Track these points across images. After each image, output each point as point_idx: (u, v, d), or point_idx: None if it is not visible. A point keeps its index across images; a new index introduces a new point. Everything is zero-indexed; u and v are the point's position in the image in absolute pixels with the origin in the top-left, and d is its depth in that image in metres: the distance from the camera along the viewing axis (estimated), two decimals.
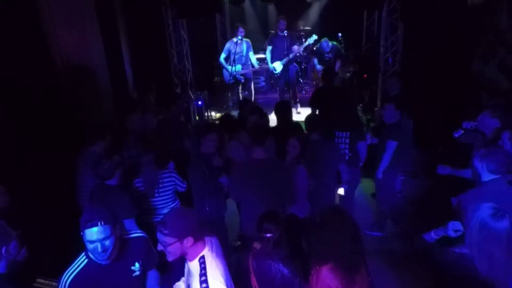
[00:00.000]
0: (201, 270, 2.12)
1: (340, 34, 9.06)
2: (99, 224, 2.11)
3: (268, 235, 2.54)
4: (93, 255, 2.19)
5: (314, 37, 7.49)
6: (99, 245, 2.12)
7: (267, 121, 4.91)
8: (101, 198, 3.31)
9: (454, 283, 2.14)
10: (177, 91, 7.79)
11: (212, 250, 2.22)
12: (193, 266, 2.18)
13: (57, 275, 2.35)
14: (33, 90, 4.10)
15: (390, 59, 7.55)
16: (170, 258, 2.15)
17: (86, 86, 5.16)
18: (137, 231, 2.55)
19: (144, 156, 3.69)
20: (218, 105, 8.72)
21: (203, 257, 2.17)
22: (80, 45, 5.07)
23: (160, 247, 2.12)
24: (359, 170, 4.67)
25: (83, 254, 2.26)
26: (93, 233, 2.11)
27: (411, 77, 6.56)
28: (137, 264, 2.36)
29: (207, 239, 2.27)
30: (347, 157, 4.47)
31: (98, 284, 2.22)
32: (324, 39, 8.18)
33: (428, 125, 5.88)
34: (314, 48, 8.64)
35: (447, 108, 5.79)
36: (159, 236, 2.10)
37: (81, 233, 2.16)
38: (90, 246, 2.15)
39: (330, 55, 8.22)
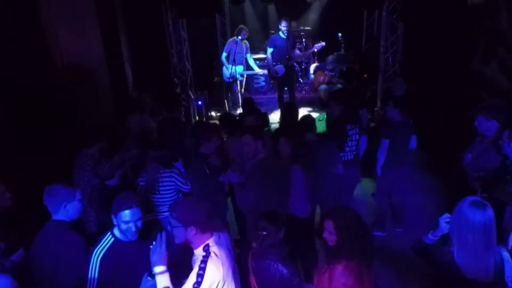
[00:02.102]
0: (203, 257, 2.20)
1: (340, 34, 9.06)
2: (133, 206, 2.41)
3: (264, 232, 2.54)
4: (125, 234, 2.45)
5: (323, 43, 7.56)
6: (133, 225, 2.41)
7: (267, 121, 4.92)
8: (100, 199, 3.31)
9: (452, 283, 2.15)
10: (177, 91, 7.80)
11: (217, 242, 2.29)
12: (197, 252, 2.27)
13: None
14: (33, 90, 4.10)
15: (390, 59, 7.56)
16: (177, 240, 2.28)
17: (86, 86, 5.16)
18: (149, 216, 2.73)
19: (151, 153, 3.74)
20: (218, 105, 8.72)
21: (207, 245, 2.26)
22: (80, 45, 5.07)
23: (168, 228, 2.30)
24: (359, 169, 4.65)
25: (109, 233, 2.51)
26: (128, 214, 2.40)
27: (411, 77, 6.56)
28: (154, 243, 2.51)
29: (216, 233, 2.34)
30: (352, 156, 4.44)
31: (124, 260, 2.45)
32: (331, 56, 8.20)
33: (428, 125, 5.88)
34: (315, 50, 8.65)
35: (447, 108, 5.79)
36: (169, 216, 2.29)
37: (114, 216, 2.44)
38: (124, 227, 2.42)
39: (332, 73, 8.21)
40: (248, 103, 5.19)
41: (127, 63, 6.56)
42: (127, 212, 2.39)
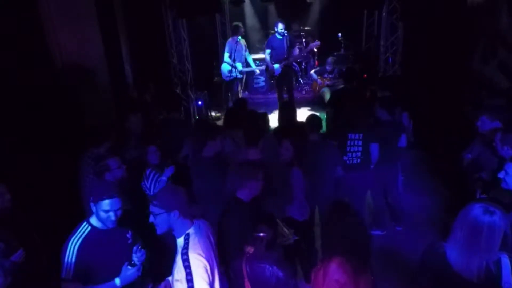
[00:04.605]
0: (184, 245, 2.29)
1: (340, 34, 9.07)
2: (114, 196, 2.46)
3: (261, 234, 2.51)
4: (104, 222, 2.50)
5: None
6: (112, 214, 2.46)
7: (267, 121, 4.92)
8: None
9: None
10: (177, 91, 7.80)
11: (197, 231, 2.36)
12: (179, 243, 2.34)
13: (58, 275, 2.36)
14: (33, 90, 4.10)
15: (390, 59, 7.56)
16: (158, 231, 2.34)
17: (86, 86, 5.16)
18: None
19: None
20: (218, 105, 8.73)
21: (188, 234, 2.34)
22: (80, 45, 5.06)
23: (151, 219, 2.32)
24: (370, 175, 4.52)
25: (85, 223, 2.55)
26: (109, 203, 2.45)
27: (411, 77, 6.57)
28: (130, 232, 2.70)
29: (196, 221, 2.42)
30: (359, 160, 4.36)
31: (102, 248, 2.50)
32: (330, 58, 8.21)
33: (428, 125, 5.88)
34: (315, 49, 8.66)
35: (447, 108, 5.80)
36: (151, 207, 2.33)
37: (93, 204, 2.47)
38: (103, 215, 2.47)
39: (331, 75, 8.22)
40: (241, 103, 5.19)
41: (127, 63, 6.56)
42: (107, 201, 2.44)
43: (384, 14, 7.38)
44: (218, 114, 8.41)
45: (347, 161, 4.36)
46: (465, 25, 5.61)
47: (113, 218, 2.47)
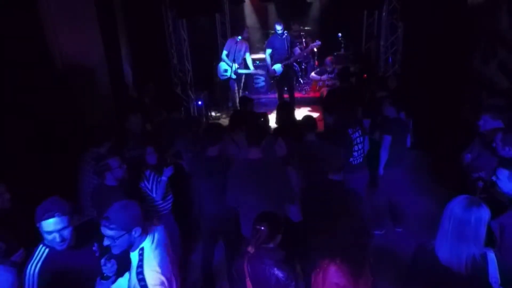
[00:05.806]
0: (138, 262, 2.16)
1: (340, 34, 9.08)
2: (55, 215, 2.17)
3: (262, 228, 2.48)
4: (52, 245, 2.22)
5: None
6: (57, 235, 2.18)
7: (267, 121, 4.92)
8: (100, 198, 3.31)
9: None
10: (178, 91, 7.80)
11: (153, 242, 2.24)
12: (133, 257, 2.21)
13: None
14: (32, 90, 4.10)
15: (390, 59, 7.56)
16: (116, 251, 2.15)
17: (86, 86, 5.16)
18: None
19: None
20: (218, 105, 8.73)
21: (142, 248, 2.20)
22: (80, 45, 5.06)
23: (106, 242, 2.11)
24: (373, 175, 4.53)
25: (41, 245, 2.28)
26: (50, 224, 2.17)
27: (411, 77, 6.57)
28: (96, 244, 2.41)
29: (150, 232, 2.29)
30: (361, 158, 4.35)
31: (65, 268, 2.23)
32: (328, 59, 8.21)
33: (428, 125, 5.88)
34: (315, 49, 8.66)
35: (447, 108, 5.80)
36: (105, 230, 2.09)
37: (37, 225, 2.20)
38: (48, 237, 2.19)
39: (331, 75, 8.23)
40: (245, 102, 5.18)
41: (127, 63, 6.56)
42: (48, 221, 2.16)
43: (384, 14, 7.38)
44: (218, 114, 8.41)
45: (352, 162, 4.35)
46: (465, 25, 5.61)
47: (58, 239, 2.18)
